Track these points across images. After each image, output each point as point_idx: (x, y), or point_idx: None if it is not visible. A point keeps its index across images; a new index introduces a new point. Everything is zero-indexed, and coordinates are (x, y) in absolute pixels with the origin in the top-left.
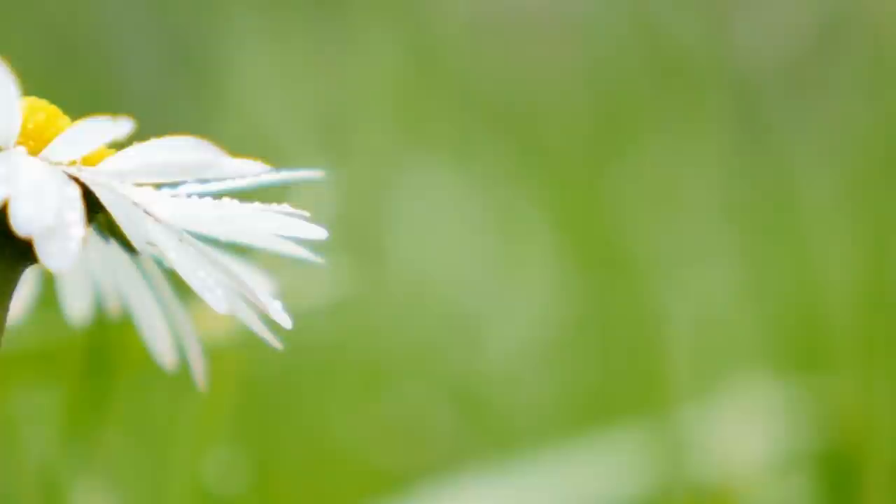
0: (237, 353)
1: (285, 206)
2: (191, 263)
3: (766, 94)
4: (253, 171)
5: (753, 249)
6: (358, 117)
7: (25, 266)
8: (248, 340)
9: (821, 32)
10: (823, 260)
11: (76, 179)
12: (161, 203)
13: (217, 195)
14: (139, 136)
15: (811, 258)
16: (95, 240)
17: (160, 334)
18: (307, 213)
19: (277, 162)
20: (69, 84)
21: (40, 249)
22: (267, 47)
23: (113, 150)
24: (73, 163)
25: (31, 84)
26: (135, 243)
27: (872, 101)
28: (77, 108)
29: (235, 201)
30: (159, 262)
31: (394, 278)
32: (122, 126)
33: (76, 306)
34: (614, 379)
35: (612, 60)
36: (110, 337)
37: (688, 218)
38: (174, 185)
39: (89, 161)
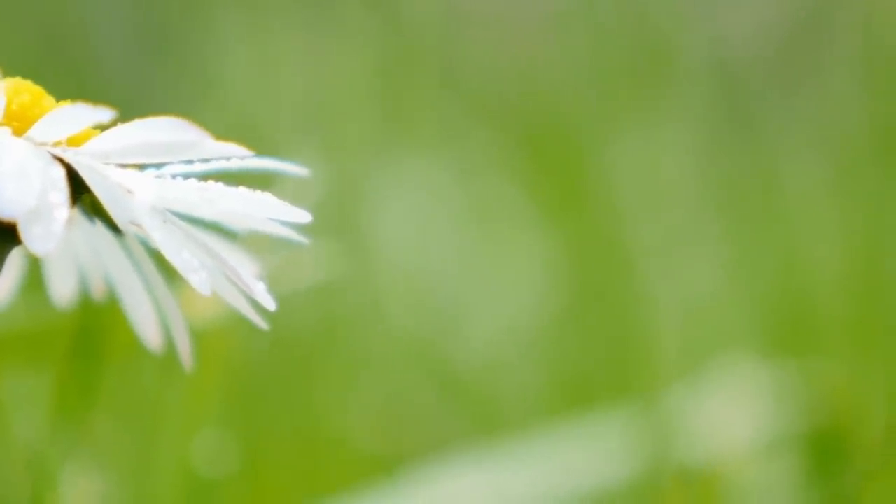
0: (226, 336)
1: (269, 195)
2: (175, 244)
3: (751, 81)
4: (236, 154)
5: (740, 234)
6: (342, 105)
7: (10, 248)
8: (237, 323)
9: (807, 18)
10: (810, 244)
11: (61, 160)
12: (145, 183)
13: (201, 177)
14: (123, 122)
15: (798, 242)
16: (81, 221)
17: (146, 316)
18: (290, 202)
19: (261, 150)
20: (53, 71)
21: (24, 232)
22: (250, 36)
23: (98, 132)
24: (58, 143)
25: (16, 70)
26: (119, 224)
27: (859, 87)
28: (61, 95)
29: (220, 183)
30: (144, 243)
31: (379, 265)
32: (105, 113)
33: (61, 288)
34: (601, 363)
35: (597, 46)
36: (99, 319)
37: (674, 204)
38: (158, 166)
39: (74, 142)
